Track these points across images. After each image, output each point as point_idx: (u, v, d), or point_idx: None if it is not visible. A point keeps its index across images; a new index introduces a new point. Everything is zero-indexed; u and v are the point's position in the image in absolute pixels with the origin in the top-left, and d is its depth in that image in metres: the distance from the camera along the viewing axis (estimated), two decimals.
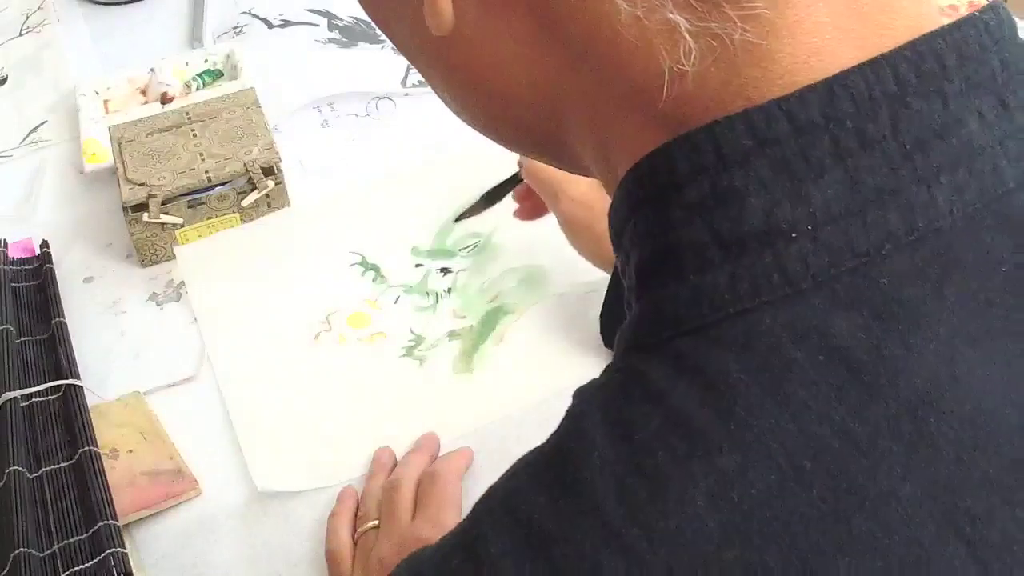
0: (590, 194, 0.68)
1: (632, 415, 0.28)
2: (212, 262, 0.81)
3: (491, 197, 0.77)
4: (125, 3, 1.16)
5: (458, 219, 0.80)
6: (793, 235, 0.28)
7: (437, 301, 0.77)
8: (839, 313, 0.27)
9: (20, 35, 1.13)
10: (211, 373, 0.73)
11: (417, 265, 0.80)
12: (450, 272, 0.79)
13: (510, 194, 0.77)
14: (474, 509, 0.30)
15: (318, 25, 1.07)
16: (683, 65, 0.29)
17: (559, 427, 0.30)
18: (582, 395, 0.31)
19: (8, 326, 0.74)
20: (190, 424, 0.70)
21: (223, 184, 0.81)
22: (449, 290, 0.78)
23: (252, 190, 0.82)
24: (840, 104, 0.28)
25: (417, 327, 0.75)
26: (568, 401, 0.31)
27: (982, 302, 0.28)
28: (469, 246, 0.81)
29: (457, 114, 0.39)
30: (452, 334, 0.74)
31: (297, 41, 1.05)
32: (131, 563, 0.59)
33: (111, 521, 0.61)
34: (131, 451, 0.67)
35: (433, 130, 0.93)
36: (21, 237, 0.86)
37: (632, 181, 0.31)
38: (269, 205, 0.84)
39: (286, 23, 1.08)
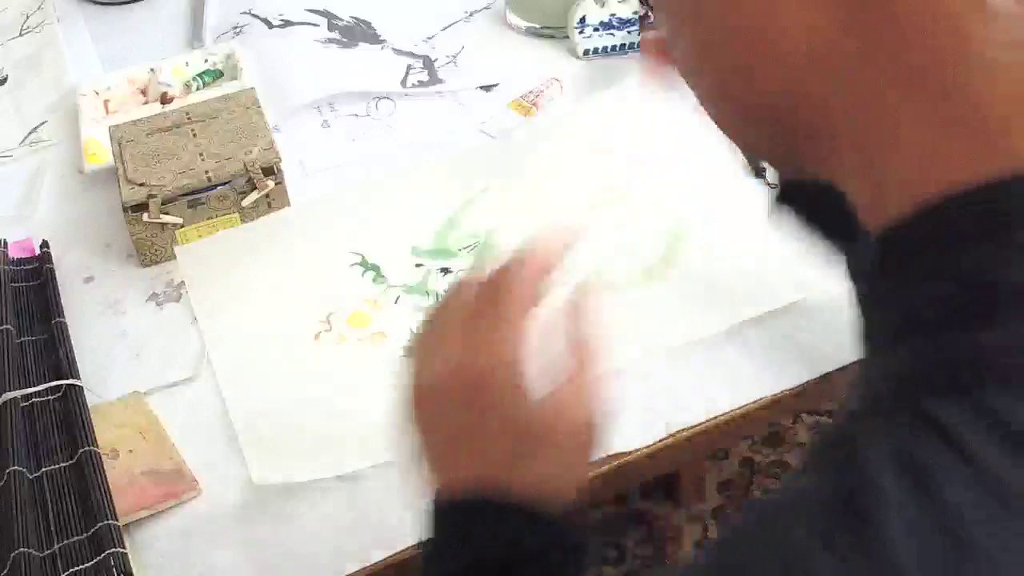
0: None
1: (936, 472, 0.25)
2: (212, 262, 0.81)
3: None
4: (125, 3, 1.16)
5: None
6: None
7: (437, 301, 0.77)
8: None
9: (20, 35, 1.13)
10: (211, 373, 0.73)
11: (417, 265, 0.80)
12: (450, 272, 0.79)
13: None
14: (732, 563, 0.28)
15: (318, 25, 1.07)
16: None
17: (831, 471, 0.28)
18: (847, 436, 0.28)
19: (8, 326, 0.74)
20: (190, 424, 0.70)
21: (223, 184, 0.81)
22: None
23: (252, 190, 0.82)
24: None
25: (417, 327, 0.75)
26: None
27: None
28: (469, 246, 0.81)
29: (696, 75, 0.37)
30: None
31: (297, 41, 1.05)
32: (131, 563, 0.59)
33: (111, 521, 0.61)
34: (131, 451, 0.67)
35: (433, 130, 0.94)
36: (21, 237, 0.85)
37: (948, 209, 0.30)
38: (269, 205, 0.84)
39: (286, 23, 1.08)
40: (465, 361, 0.49)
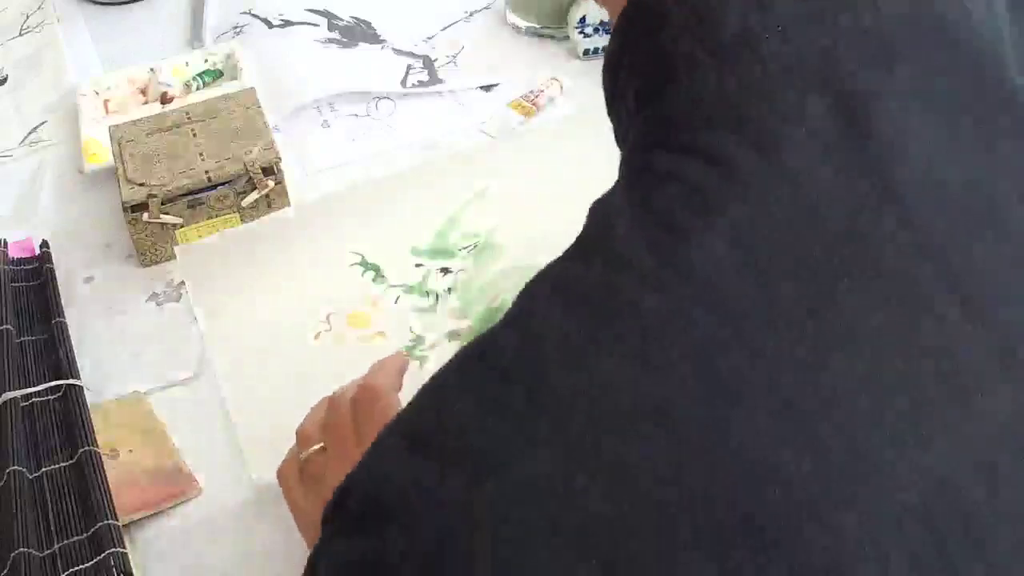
0: None
1: (650, 191, 0.33)
2: (212, 262, 0.81)
3: None
4: (125, 3, 1.16)
5: None
6: (765, 36, 0.34)
7: (437, 301, 0.77)
8: (811, 95, 0.33)
9: (20, 35, 1.13)
10: (211, 373, 0.73)
11: (417, 265, 0.80)
12: (450, 272, 0.79)
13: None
14: (515, 301, 0.34)
15: (318, 25, 1.07)
16: None
17: (584, 225, 0.35)
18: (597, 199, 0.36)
19: (8, 326, 0.74)
20: (190, 424, 0.70)
21: (223, 184, 0.81)
22: (449, 290, 0.78)
23: (252, 190, 0.82)
24: None
25: (417, 327, 0.75)
26: None
27: (920, 78, 0.34)
28: (469, 246, 0.81)
29: None
30: (452, 334, 0.74)
31: (297, 41, 1.05)
32: (131, 563, 0.59)
33: (111, 521, 0.61)
34: (131, 451, 0.68)
35: (433, 130, 0.94)
36: (21, 237, 0.86)
37: (624, 20, 0.38)
38: (269, 205, 0.84)
39: (286, 23, 1.08)
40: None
